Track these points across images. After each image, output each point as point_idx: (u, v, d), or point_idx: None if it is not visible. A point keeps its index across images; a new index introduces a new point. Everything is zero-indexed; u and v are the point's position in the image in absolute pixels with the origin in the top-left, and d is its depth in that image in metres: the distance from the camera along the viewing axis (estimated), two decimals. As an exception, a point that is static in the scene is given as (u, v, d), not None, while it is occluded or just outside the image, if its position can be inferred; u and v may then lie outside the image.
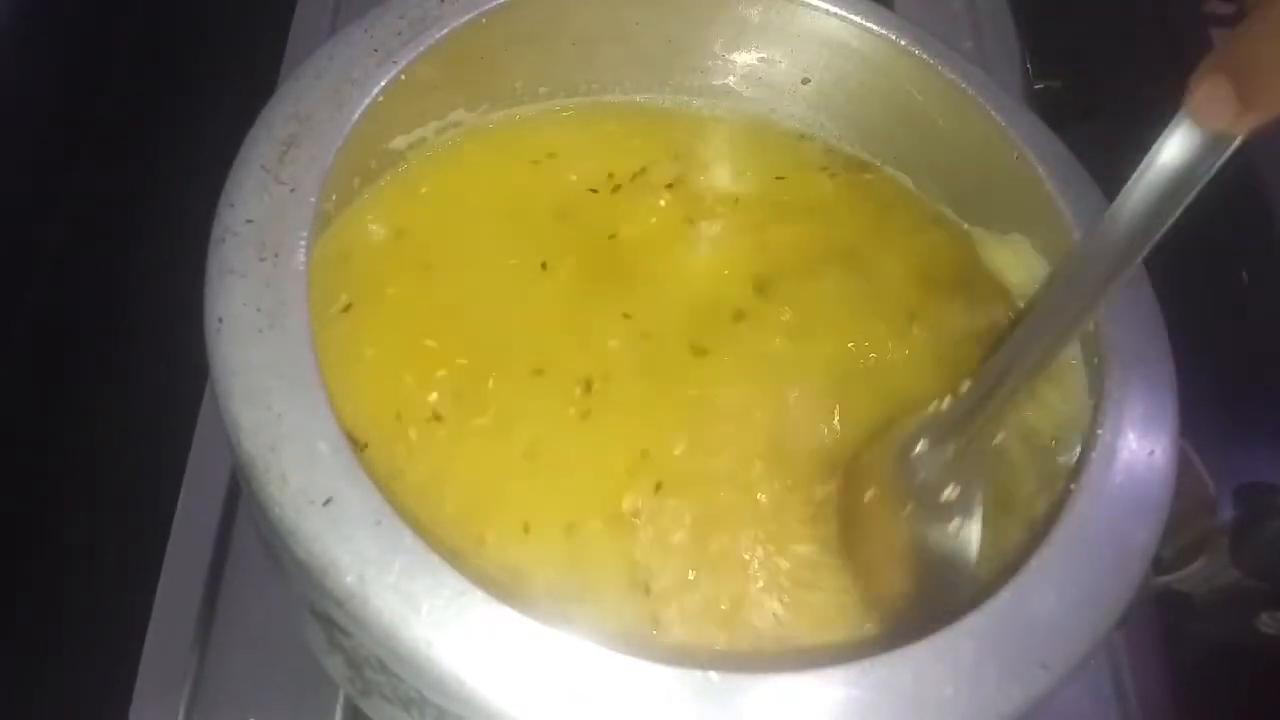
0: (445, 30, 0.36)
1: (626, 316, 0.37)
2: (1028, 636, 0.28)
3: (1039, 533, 0.31)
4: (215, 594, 0.42)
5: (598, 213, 0.40)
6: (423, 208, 0.39)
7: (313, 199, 0.32)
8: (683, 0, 0.41)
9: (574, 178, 0.41)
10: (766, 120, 0.44)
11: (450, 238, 0.38)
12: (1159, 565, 0.38)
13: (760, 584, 0.33)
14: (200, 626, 0.41)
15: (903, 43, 0.40)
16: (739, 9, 0.41)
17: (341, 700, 0.40)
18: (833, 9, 0.40)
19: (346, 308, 0.36)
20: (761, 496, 0.35)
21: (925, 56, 0.39)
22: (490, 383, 0.35)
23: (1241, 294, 0.53)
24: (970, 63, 0.40)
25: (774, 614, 0.32)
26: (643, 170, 0.41)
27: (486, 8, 0.37)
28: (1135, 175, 0.28)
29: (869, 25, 0.40)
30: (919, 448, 0.34)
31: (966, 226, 0.41)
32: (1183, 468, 0.32)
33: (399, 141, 0.39)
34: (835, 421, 0.36)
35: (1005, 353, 0.33)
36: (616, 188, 0.41)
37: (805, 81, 0.43)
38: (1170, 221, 0.28)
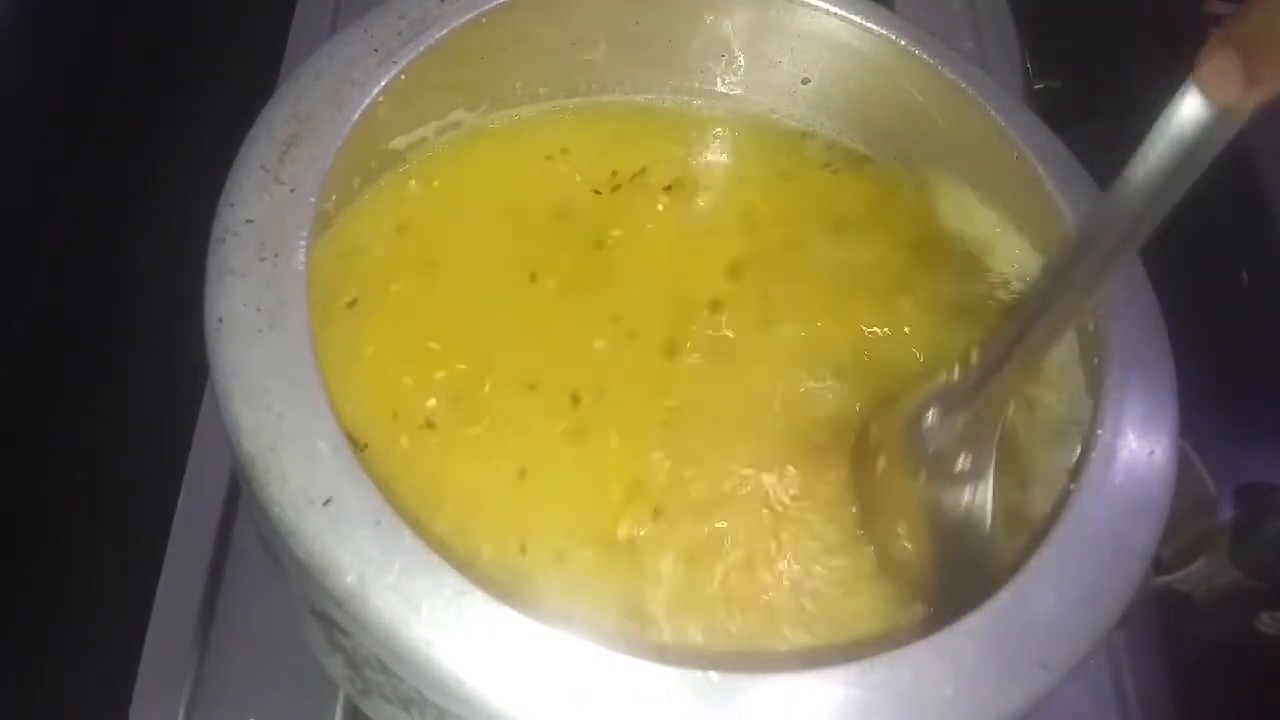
0: (445, 30, 0.36)
1: (617, 319, 0.38)
2: (1028, 636, 0.28)
3: (1039, 533, 0.31)
4: (215, 594, 0.42)
5: (598, 213, 0.40)
6: (423, 208, 0.39)
7: (313, 199, 0.32)
8: (683, 0, 0.41)
9: (574, 178, 0.41)
10: (766, 120, 0.44)
11: (451, 238, 0.38)
12: (1159, 565, 0.38)
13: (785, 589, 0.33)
14: (200, 626, 0.41)
15: (903, 43, 0.40)
16: (739, 9, 0.41)
17: (341, 700, 0.40)
18: (833, 9, 0.40)
19: (352, 303, 0.36)
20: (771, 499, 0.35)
21: (925, 56, 0.39)
22: (487, 388, 0.35)
23: (1241, 294, 0.53)
24: (970, 63, 0.40)
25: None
26: (643, 171, 0.41)
27: (486, 8, 0.37)
28: (1147, 139, 0.27)
29: (869, 25, 0.40)
30: (929, 419, 0.34)
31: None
32: (1183, 468, 0.32)
33: (399, 142, 0.39)
34: (844, 407, 0.37)
35: (1016, 321, 0.33)
36: (616, 188, 0.41)
37: (805, 81, 0.43)
38: (1183, 191, 0.27)
